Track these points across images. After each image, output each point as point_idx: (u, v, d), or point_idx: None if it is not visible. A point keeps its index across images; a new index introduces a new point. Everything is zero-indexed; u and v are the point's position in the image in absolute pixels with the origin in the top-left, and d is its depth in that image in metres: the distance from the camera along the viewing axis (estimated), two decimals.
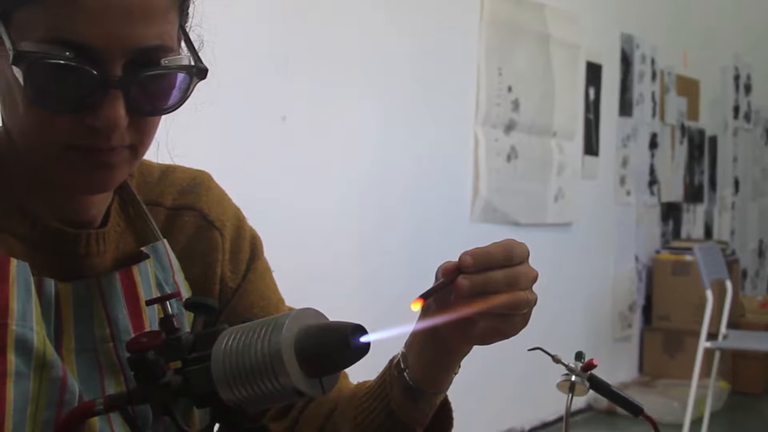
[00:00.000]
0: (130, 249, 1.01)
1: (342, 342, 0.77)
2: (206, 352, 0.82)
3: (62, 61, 0.84)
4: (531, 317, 0.91)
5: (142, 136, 0.91)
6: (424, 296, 0.89)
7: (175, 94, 0.91)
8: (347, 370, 0.98)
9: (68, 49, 0.84)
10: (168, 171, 1.08)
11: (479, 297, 0.87)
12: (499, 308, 0.88)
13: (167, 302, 0.87)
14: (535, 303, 0.90)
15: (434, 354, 0.96)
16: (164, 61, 0.89)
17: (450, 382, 0.99)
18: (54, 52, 0.84)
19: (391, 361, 1.00)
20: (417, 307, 0.88)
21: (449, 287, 0.89)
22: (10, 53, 0.85)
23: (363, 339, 0.78)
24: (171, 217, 1.06)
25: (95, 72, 0.85)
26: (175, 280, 1.02)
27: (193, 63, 0.91)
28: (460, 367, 0.99)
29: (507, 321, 0.89)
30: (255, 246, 1.11)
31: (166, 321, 0.86)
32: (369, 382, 1.04)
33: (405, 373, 0.97)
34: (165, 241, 1.02)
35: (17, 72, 0.85)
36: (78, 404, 0.90)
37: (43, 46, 0.84)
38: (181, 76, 0.90)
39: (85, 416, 0.87)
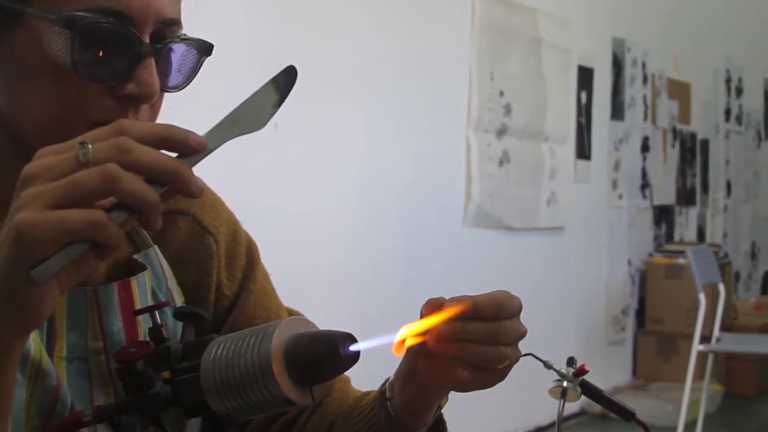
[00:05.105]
0: (122, 255, 0.99)
1: (331, 351, 0.77)
2: (196, 361, 0.81)
3: (112, 26, 0.84)
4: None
5: (153, 115, 0.91)
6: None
7: (187, 70, 0.92)
8: (351, 376, 0.97)
9: (108, 16, 0.84)
10: None
11: (455, 344, 0.86)
12: (472, 358, 0.86)
13: (156, 312, 0.87)
14: (516, 360, 0.88)
15: (414, 391, 0.94)
16: (179, 36, 0.90)
17: (434, 416, 0.97)
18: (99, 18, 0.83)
19: (383, 384, 0.99)
20: (400, 351, 0.85)
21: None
22: (52, 21, 0.83)
23: (353, 348, 0.78)
24: (163, 221, 1.04)
25: (135, 39, 0.85)
26: (168, 286, 1.00)
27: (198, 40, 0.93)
28: (447, 399, 0.97)
29: (482, 372, 0.88)
30: (252, 252, 1.09)
31: (155, 331, 0.86)
32: (369, 396, 1.03)
33: (389, 403, 0.96)
34: (156, 248, 1.01)
35: (59, 41, 0.83)
36: (67, 415, 0.89)
37: (85, 14, 0.83)
38: (193, 51, 0.92)
39: (74, 427, 0.86)
